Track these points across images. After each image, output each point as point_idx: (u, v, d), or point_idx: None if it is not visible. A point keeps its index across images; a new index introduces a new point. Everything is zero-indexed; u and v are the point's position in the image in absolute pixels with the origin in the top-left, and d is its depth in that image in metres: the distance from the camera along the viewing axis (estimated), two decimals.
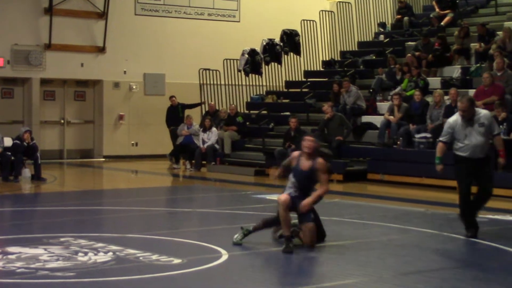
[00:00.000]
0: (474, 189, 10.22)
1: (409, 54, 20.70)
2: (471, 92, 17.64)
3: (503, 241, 9.89)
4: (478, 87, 17.24)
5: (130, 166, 22.50)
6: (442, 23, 22.49)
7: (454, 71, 19.65)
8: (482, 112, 10.18)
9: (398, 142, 17.64)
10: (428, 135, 17.00)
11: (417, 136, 17.15)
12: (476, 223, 10.12)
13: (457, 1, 23.30)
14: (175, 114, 22.68)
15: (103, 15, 24.10)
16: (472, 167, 10.07)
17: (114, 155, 24.38)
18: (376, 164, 17.88)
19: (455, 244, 9.64)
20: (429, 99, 17.93)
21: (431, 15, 23.15)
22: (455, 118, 10.18)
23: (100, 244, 9.10)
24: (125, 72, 24.66)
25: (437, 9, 22.96)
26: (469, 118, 10.00)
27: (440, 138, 10.39)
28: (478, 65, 19.09)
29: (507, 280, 7.76)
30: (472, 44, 20.03)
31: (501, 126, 15.21)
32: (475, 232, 9.99)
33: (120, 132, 24.67)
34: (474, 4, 23.76)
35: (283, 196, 9.11)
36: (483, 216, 12.28)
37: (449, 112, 16.89)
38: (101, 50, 24.25)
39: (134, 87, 24.80)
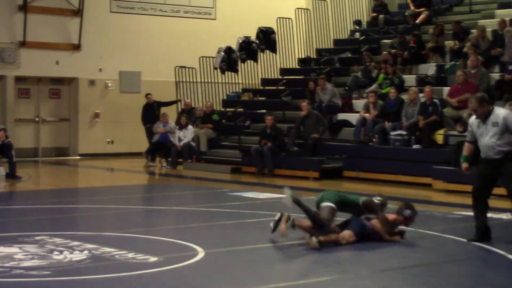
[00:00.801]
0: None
1: (384, 52, 20.79)
2: (446, 89, 17.78)
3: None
4: (452, 85, 17.37)
5: (106, 164, 22.41)
6: (417, 21, 22.60)
7: (429, 68, 19.76)
8: (499, 111, 9.67)
9: (374, 140, 17.72)
10: (403, 132, 17.10)
11: (393, 133, 17.25)
12: (485, 229, 9.78)
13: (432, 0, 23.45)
14: (151, 112, 22.60)
15: (78, 12, 23.97)
16: (489, 168, 9.71)
17: (90, 153, 24.27)
18: (351, 161, 17.95)
19: (430, 241, 9.70)
20: (405, 96, 18.03)
21: (406, 13, 23.26)
22: (474, 117, 9.93)
23: (75, 243, 9.07)
24: (100, 69, 24.55)
25: (412, 7, 23.08)
26: (484, 117, 9.62)
27: (466, 138, 10.17)
28: (452, 62, 19.22)
29: (481, 276, 7.84)
30: (446, 42, 20.17)
31: None
32: (477, 238, 9.71)
33: (95, 130, 24.56)
34: (448, 2, 23.91)
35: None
36: (457, 212, 12.41)
37: (424, 109, 17.03)
38: (77, 47, 24.12)
39: (109, 84, 24.70)
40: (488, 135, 9.60)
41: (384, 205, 9.62)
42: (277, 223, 9.35)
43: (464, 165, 10.03)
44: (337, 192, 9.80)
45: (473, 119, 9.93)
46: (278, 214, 9.41)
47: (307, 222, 9.43)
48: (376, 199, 9.58)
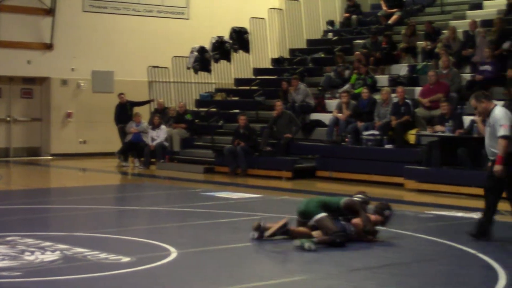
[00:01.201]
0: None
1: (357, 52, 20.88)
2: (418, 90, 17.89)
3: (448, 236, 10.06)
4: (424, 85, 17.49)
5: (78, 164, 22.29)
6: (389, 22, 22.74)
7: (401, 69, 19.87)
8: (495, 111, 9.45)
9: (347, 139, 17.78)
10: (376, 132, 17.18)
11: (365, 133, 17.32)
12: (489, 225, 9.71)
13: (404, 0, 23.59)
14: (124, 112, 22.51)
15: (50, 11, 23.82)
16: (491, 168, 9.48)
17: (62, 153, 24.12)
18: (324, 161, 18.00)
19: (403, 240, 9.75)
20: (377, 96, 18.12)
21: (378, 14, 23.39)
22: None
23: (47, 243, 9.01)
24: (73, 69, 24.41)
25: (384, 8, 23.21)
26: (486, 116, 9.50)
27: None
28: (424, 63, 19.34)
29: (452, 275, 7.90)
30: (418, 43, 20.29)
31: (446, 124, 15.48)
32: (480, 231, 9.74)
33: (68, 130, 24.42)
34: (420, 3, 24.07)
35: None
36: (429, 212, 12.49)
37: (396, 109, 17.12)
38: (49, 47, 23.97)
39: (82, 84, 24.57)
40: (487, 136, 9.49)
41: (366, 202, 9.59)
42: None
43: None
44: (318, 198, 9.76)
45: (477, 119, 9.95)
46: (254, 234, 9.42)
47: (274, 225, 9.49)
48: (357, 197, 9.54)
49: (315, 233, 9.24)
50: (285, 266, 8.38)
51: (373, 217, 9.52)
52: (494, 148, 9.36)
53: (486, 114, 9.52)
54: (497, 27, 17.99)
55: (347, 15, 24.72)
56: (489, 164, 9.54)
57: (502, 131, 9.21)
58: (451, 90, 16.93)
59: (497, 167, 9.25)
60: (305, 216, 9.39)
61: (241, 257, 8.68)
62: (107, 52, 24.78)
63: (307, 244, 8.82)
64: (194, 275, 7.73)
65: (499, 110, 9.46)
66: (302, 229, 9.38)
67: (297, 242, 8.95)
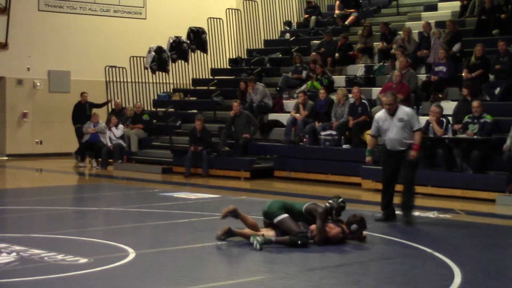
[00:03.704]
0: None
1: (313, 53, 20.98)
2: (375, 90, 18.04)
3: (405, 235, 10.17)
4: (386, 84, 17.49)
5: (34, 164, 22.08)
6: (346, 23, 22.90)
7: (358, 69, 20.03)
8: (405, 109, 11.15)
9: (304, 140, 17.87)
10: (333, 132, 17.29)
11: (323, 133, 17.42)
12: (391, 209, 11.33)
13: (361, 1, 23.77)
14: (82, 112, 22.37)
15: (5, 10, 23.55)
16: (394, 158, 11.09)
17: (18, 153, 23.86)
18: (282, 161, 18.07)
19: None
20: (334, 97, 18.23)
21: (334, 15, 23.53)
22: (380, 113, 11.26)
23: (2, 245, 8.92)
24: (28, 69, 24.17)
25: (337, 10, 23.41)
26: (392, 113, 10.98)
27: (370, 133, 11.40)
28: (381, 63, 19.51)
29: (409, 274, 7.98)
30: (375, 43, 20.46)
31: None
32: (384, 217, 11.28)
33: (23, 130, 24.16)
34: (376, 4, 24.28)
35: None
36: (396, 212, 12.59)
37: (353, 110, 17.25)
38: (3, 46, 23.69)
39: (38, 84, 24.33)
40: (395, 129, 10.93)
41: (332, 210, 9.34)
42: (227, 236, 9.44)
43: (368, 158, 11.60)
44: (283, 201, 9.75)
45: (379, 115, 11.20)
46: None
47: (250, 219, 9.54)
48: (329, 202, 9.38)
49: (266, 232, 9.24)
50: (243, 266, 8.40)
51: (333, 229, 9.34)
52: (407, 140, 11.00)
53: (393, 111, 10.97)
54: (450, 29, 18.22)
55: (306, 16, 24.85)
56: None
57: (417, 126, 11.05)
58: (410, 91, 17.08)
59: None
60: (268, 216, 9.42)
61: (199, 258, 8.69)
62: (64, 52, 24.58)
63: (256, 239, 8.93)
64: (152, 276, 7.71)
65: (408, 108, 11.38)
66: (247, 230, 9.40)
67: (252, 239, 9.06)
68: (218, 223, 9.80)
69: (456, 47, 17.91)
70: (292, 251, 8.91)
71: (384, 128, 11.08)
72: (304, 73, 20.37)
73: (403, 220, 11.18)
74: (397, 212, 11.38)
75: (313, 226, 9.30)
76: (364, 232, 9.63)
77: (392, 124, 10.99)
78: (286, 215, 9.26)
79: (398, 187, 11.44)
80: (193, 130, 18.90)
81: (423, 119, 15.60)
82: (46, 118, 24.30)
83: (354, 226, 9.43)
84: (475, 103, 14.91)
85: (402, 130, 10.97)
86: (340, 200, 9.46)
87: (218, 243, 9.27)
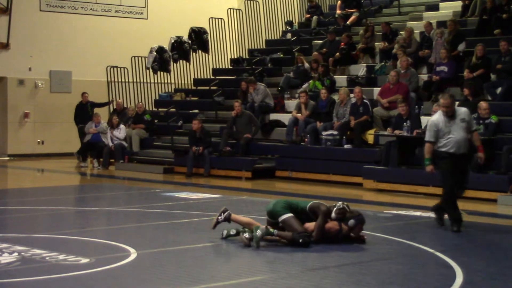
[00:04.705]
0: None
1: (315, 52, 20.97)
2: (377, 90, 18.04)
3: (407, 235, 10.16)
4: (384, 85, 17.61)
5: (36, 164, 22.08)
6: (347, 23, 22.89)
7: (360, 69, 20.02)
8: (462, 109, 10.62)
9: (306, 140, 17.86)
10: (335, 132, 17.28)
11: (324, 133, 17.41)
12: (461, 217, 10.62)
13: (362, 1, 23.77)
14: (84, 112, 22.39)
15: (6, 10, 23.56)
16: (460, 162, 10.49)
17: (19, 153, 23.87)
18: (284, 161, 18.06)
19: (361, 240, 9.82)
20: (336, 97, 18.23)
21: (336, 15, 23.53)
22: (437, 116, 10.57)
23: (4, 245, 8.92)
24: (30, 69, 24.19)
25: (338, 10, 23.40)
26: (451, 114, 10.40)
27: (426, 139, 10.58)
28: (382, 63, 19.50)
29: (410, 274, 7.98)
30: (376, 43, 20.46)
31: (404, 124, 15.62)
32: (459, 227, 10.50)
33: (25, 130, 24.17)
34: (378, 4, 24.29)
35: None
36: (387, 211, 12.61)
37: (355, 110, 17.25)
38: (5, 46, 23.70)
39: (39, 84, 24.34)
40: (459, 130, 10.33)
41: (331, 212, 9.31)
42: (231, 235, 9.49)
43: (430, 167, 10.62)
44: (287, 200, 9.75)
45: (437, 118, 10.46)
46: (234, 230, 9.50)
47: (245, 218, 9.59)
48: (335, 205, 9.40)
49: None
50: (245, 266, 8.39)
51: (330, 223, 9.36)
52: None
53: (452, 113, 10.37)
54: (452, 29, 18.21)
55: (308, 16, 24.85)
56: None
57: (475, 126, 10.77)
58: (409, 90, 17.09)
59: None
60: (272, 216, 9.44)
61: (200, 257, 8.68)
62: (65, 52, 24.59)
63: (259, 231, 8.99)
64: (153, 276, 7.71)
65: (465, 108, 10.64)
66: (245, 219, 9.49)
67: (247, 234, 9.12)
68: (220, 224, 9.79)
69: (461, 47, 17.89)
70: (293, 251, 8.90)
71: (445, 131, 10.41)
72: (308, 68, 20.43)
73: (453, 227, 10.50)
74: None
75: (307, 224, 9.31)
76: (365, 232, 9.63)
77: (455, 126, 10.40)
78: (290, 214, 9.29)
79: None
80: (192, 130, 18.89)
81: (425, 119, 15.63)
82: (48, 118, 24.31)
83: (351, 222, 9.42)
84: (483, 105, 14.86)
85: (465, 131, 10.47)
86: (343, 203, 9.52)
87: (219, 243, 9.26)
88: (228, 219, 9.72)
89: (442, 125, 10.38)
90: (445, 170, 10.52)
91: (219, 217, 9.77)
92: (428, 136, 10.55)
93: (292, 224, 9.23)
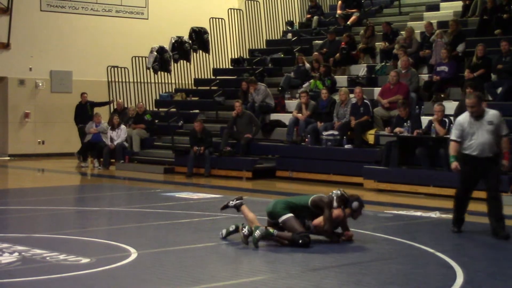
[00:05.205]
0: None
1: (316, 53, 20.97)
2: (377, 90, 18.03)
3: (407, 235, 10.16)
4: (384, 85, 17.61)
5: (36, 164, 22.09)
6: (348, 23, 22.89)
7: (360, 69, 20.01)
8: (491, 111, 10.17)
9: (306, 140, 17.86)
10: (335, 132, 17.28)
11: (325, 133, 17.41)
12: (463, 220, 10.47)
13: (363, 1, 23.77)
14: (84, 112, 22.40)
15: (7, 10, 23.57)
16: (479, 166, 10.05)
17: (20, 153, 23.88)
18: (284, 161, 18.06)
19: (362, 240, 9.82)
20: (336, 97, 18.22)
21: (336, 15, 23.52)
22: (464, 116, 10.22)
23: (5, 245, 8.92)
24: (30, 69, 24.19)
25: (339, 10, 23.39)
26: (478, 115, 10.02)
27: (451, 137, 10.34)
28: (383, 63, 19.49)
29: (411, 274, 7.98)
30: (377, 43, 20.45)
31: (405, 124, 15.63)
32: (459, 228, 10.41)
33: (26, 130, 24.18)
34: (378, 4, 24.29)
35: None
36: (388, 211, 12.61)
37: (355, 110, 17.24)
38: (6, 46, 23.71)
39: (40, 84, 24.35)
40: (485, 133, 9.96)
41: (333, 201, 9.40)
42: (231, 233, 9.50)
43: (455, 163, 10.22)
44: (286, 199, 9.76)
45: (464, 117, 10.18)
46: (233, 226, 9.53)
47: (252, 214, 9.60)
48: (333, 193, 9.48)
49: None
50: (245, 266, 8.40)
51: (336, 211, 9.44)
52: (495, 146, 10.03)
53: (479, 114, 10.04)
54: (452, 29, 18.21)
55: (308, 16, 24.85)
56: None
57: (505, 130, 10.13)
58: (410, 91, 17.09)
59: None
60: (272, 216, 9.44)
61: (201, 258, 8.69)
62: (66, 52, 24.59)
63: (258, 231, 9.01)
64: (154, 276, 7.71)
65: (495, 111, 10.27)
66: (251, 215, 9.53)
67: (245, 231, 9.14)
68: (220, 223, 9.82)
69: (461, 47, 17.89)
70: (294, 251, 8.90)
71: (471, 132, 10.03)
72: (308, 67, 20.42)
73: (497, 234, 10.02)
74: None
75: (315, 221, 9.34)
76: (365, 232, 9.63)
77: (480, 128, 10.01)
78: (291, 214, 9.29)
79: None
80: (193, 131, 18.90)
81: (425, 119, 15.63)
82: (48, 118, 24.31)
83: (355, 204, 9.51)
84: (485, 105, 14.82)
85: (492, 134, 9.99)
86: (339, 189, 9.66)
87: (220, 243, 9.26)
88: (238, 207, 9.73)
89: (467, 125, 10.07)
90: (462, 174, 10.27)
91: (231, 202, 9.84)
92: (453, 135, 10.27)
93: (292, 225, 9.24)
